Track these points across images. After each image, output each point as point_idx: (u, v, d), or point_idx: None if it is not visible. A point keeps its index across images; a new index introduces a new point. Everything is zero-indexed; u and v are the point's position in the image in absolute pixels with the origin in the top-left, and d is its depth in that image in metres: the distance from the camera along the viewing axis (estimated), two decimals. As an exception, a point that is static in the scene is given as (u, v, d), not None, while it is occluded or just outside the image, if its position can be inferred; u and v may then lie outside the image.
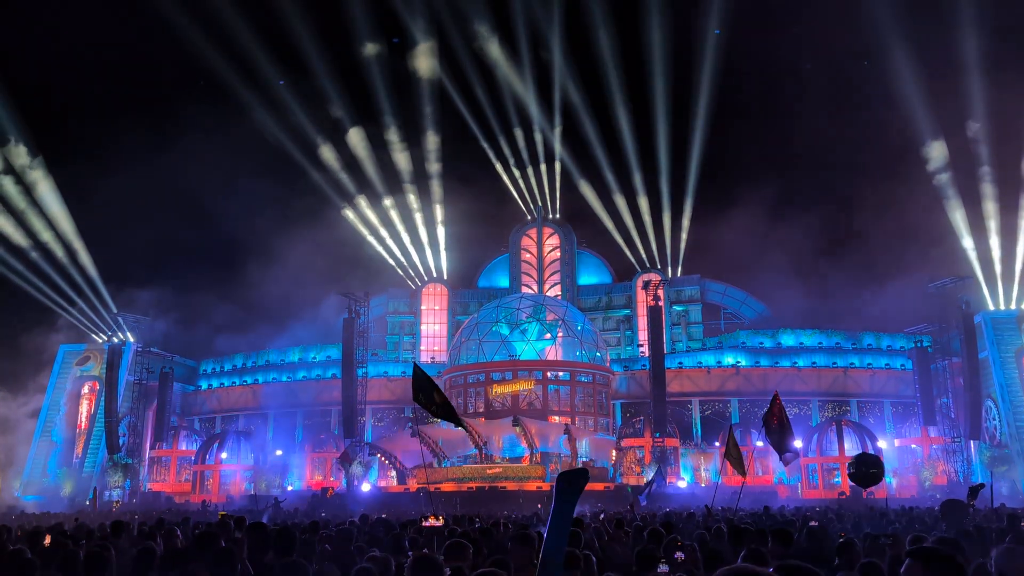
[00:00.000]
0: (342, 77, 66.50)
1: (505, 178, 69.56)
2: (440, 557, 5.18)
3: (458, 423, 15.11)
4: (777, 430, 17.02)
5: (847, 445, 47.13)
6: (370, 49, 64.18)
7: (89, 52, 75.17)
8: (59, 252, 59.42)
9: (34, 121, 61.43)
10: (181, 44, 65.35)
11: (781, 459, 16.99)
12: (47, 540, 10.05)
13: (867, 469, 14.23)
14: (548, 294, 64.33)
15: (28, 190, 58.65)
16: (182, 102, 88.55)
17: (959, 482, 42.71)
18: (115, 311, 59.10)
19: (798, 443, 40.86)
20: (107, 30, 75.82)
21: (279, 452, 55.13)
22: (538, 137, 68.32)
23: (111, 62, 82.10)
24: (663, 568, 6.87)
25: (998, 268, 50.53)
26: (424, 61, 66.38)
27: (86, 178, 71.89)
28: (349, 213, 67.55)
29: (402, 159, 68.39)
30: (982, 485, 18.29)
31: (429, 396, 14.27)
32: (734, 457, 17.51)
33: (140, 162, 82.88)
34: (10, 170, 57.86)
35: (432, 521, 11.69)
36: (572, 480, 3.94)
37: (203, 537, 6.29)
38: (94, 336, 60.20)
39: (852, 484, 42.63)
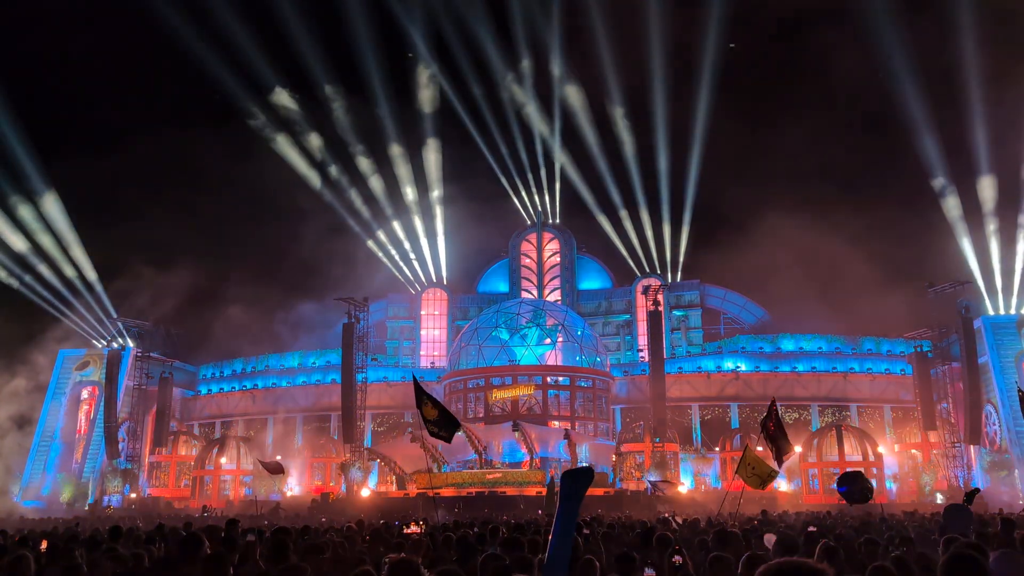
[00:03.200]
0: (344, 86, 66.73)
1: (505, 183, 69.70)
2: (419, 561, 5.15)
3: (450, 435, 14.86)
4: (775, 436, 17.03)
5: (847, 450, 47.09)
6: (375, 65, 64.28)
7: (101, 65, 75.40)
8: (59, 257, 59.49)
9: (35, 128, 61.47)
10: (185, 60, 65.39)
11: (776, 463, 16.97)
12: (43, 545, 10.06)
13: (860, 486, 14.24)
14: (548, 299, 64.31)
15: (29, 196, 58.75)
16: (183, 111, 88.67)
17: (959, 487, 42.68)
18: (115, 316, 59.12)
19: (797, 448, 41.00)
20: (118, 47, 76.01)
21: (279, 457, 55.02)
22: (538, 142, 68.48)
23: (118, 73, 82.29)
24: (649, 572, 6.87)
25: (998, 272, 50.53)
26: (425, 75, 66.59)
27: (87, 182, 71.94)
28: (349, 218, 67.63)
29: (402, 166, 68.54)
30: (977, 490, 18.30)
31: (428, 406, 14.24)
32: (758, 475, 16.72)
33: (140, 167, 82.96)
34: (14, 180, 57.94)
35: (412, 528, 11.59)
36: (577, 479, 3.95)
37: (189, 541, 6.24)
38: (93, 341, 60.19)
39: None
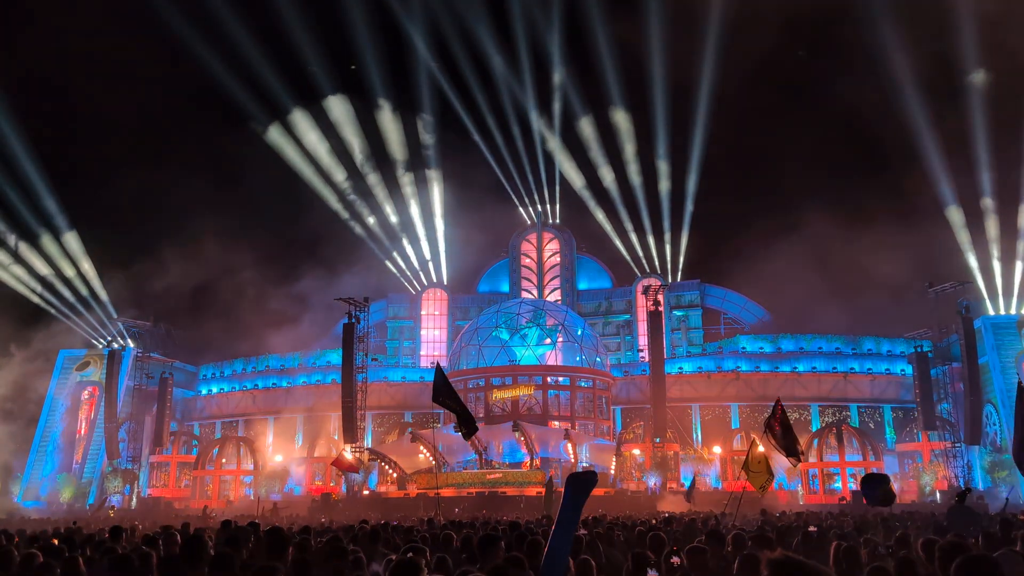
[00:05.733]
0: (344, 87, 66.74)
1: (505, 183, 69.69)
2: (423, 562, 5.15)
3: (470, 433, 15.07)
4: (781, 435, 17.09)
5: (847, 450, 47.12)
6: (376, 67, 64.24)
7: (100, 61, 75.32)
8: (59, 257, 59.52)
9: (34, 126, 61.50)
10: (187, 62, 65.42)
11: (791, 462, 17.05)
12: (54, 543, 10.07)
13: (881, 488, 14.18)
14: (548, 299, 64.31)
15: (29, 194, 58.76)
16: (189, 118, 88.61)
17: (959, 487, 42.69)
18: (115, 316, 59.17)
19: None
20: (123, 48, 75.95)
21: (279, 457, 55.17)
22: (538, 142, 68.49)
23: (118, 73, 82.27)
24: (653, 573, 6.87)
25: (998, 272, 50.55)
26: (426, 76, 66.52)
27: (87, 181, 72.05)
28: (351, 218, 67.66)
29: (402, 163, 68.57)
30: (969, 489, 18.36)
31: (449, 399, 14.43)
32: (759, 474, 17.03)
33: (141, 168, 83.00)
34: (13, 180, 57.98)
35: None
36: (583, 482, 3.96)
37: (192, 543, 6.23)
38: (94, 341, 60.20)
39: (853, 489, 42.63)
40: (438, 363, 18.29)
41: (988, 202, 50.58)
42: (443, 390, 14.61)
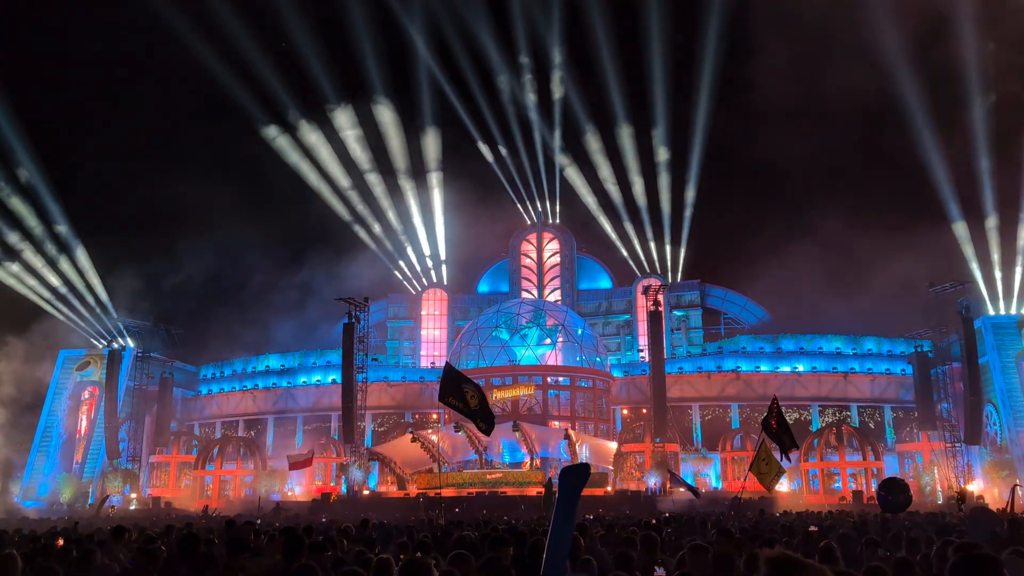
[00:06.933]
0: (345, 86, 66.67)
1: (505, 183, 69.70)
2: (431, 561, 5.14)
3: (489, 427, 14.90)
4: (778, 433, 17.14)
5: (847, 451, 47.11)
6: (375, 65, 64.19)
7: (98, 61, 75.42)
8: (59, 257, 59.49)
9: (33, 121, 61.44)
10: (192, 67, 65.37)
11: (785, 458, 17.12)
12: (59, 543, 10.07)
13: (899, 496, 14.18)
14: (548, 299, 64.30)
15: (28, 194, 58.71)
16: (189, 119, 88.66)
17: (961, 487, 42.71)
18: (115, 316, 59.14)
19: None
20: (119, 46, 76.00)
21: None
22: (538, 142, 68.48)
23: (122, 76, 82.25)
24: (660, 572, 6.87)
25: (998, 272, 50.48)
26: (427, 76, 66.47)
27: (87, 181, 72.06)
28: (350, 217, 67.67)
29: (402, 162, 68.56)
30: (964, 493, 18.51)
31: (460, 397, 14.25)
32: (767, 474, 17.13)
33: (143, 171, 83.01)
34: (11, 180, 57.92)
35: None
36: (576, 475, 3.97)
37: (186, 541, 6.22)
38: (94, 341, 60.18)
39: (853, 489, 42.60)
40: (448, 362, 18.12)
41: (988, 201, 50.41)
42: (456, 382, 14.46)
